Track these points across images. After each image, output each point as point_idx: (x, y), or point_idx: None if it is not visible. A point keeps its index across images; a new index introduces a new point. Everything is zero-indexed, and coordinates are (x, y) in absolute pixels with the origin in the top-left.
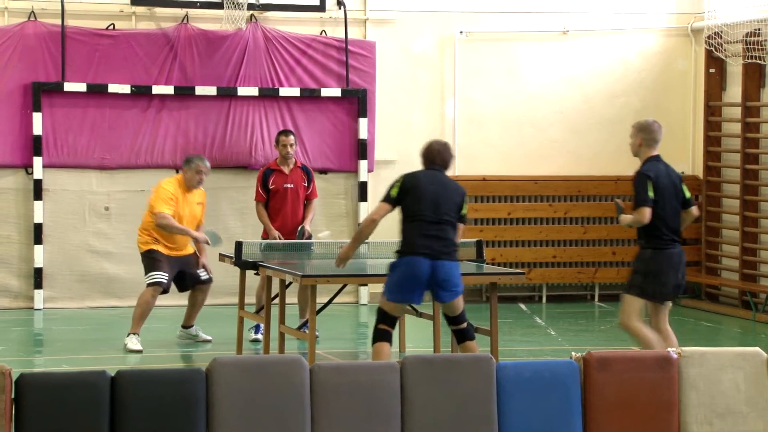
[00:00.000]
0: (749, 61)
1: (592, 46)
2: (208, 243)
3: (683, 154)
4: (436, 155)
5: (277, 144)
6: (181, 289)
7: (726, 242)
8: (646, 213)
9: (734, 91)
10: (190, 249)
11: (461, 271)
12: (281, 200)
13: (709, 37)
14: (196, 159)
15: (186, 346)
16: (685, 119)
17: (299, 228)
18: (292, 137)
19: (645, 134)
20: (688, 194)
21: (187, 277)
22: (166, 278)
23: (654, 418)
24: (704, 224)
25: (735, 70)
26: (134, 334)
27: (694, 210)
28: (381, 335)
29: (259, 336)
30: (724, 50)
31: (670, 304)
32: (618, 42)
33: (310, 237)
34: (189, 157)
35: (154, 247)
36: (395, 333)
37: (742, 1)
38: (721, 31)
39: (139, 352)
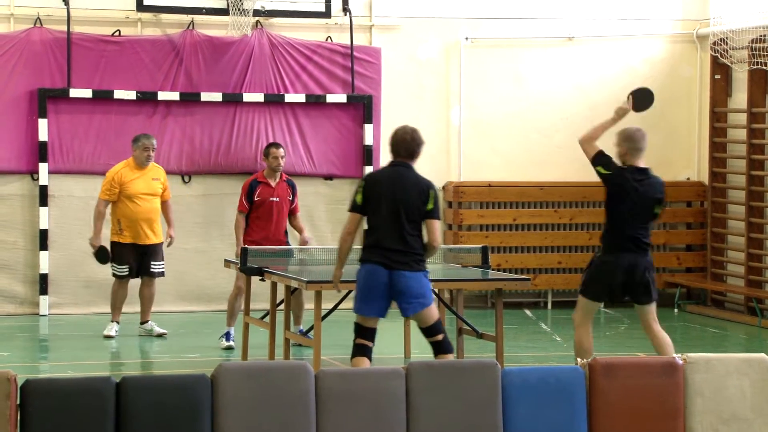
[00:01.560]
0: (755, 67)
1: (598, 52)
2: (93, 247)
3: (689, 161)
4: (400, 145)
5: (267, 156)
6: (133, 276)
7: (731, 248)
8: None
9: (740, 97)
10: (155, 239)
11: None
12: (266, 213)
13: (714, 44)
14: (142, 137)
15: (191, 351)
16: (690, 125)
17: (301, 240)
18: (282, 150)
19: (629, 144)
20: (658, 211)
21: (141, 267)
22: (126, 270)
23: (659, 425)
24: (710, 230)
25: (740, 77)
26: (114, 321)
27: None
28: (357, 350)
29: (231, 343)
30: (730, 56)
31: (648, 307)
32: (623, 48)
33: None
34: (136, 136)
35: (118, 238)
36: (400, 339)
37: (748, 7)
38: (727, 38)
39: (111, 338)
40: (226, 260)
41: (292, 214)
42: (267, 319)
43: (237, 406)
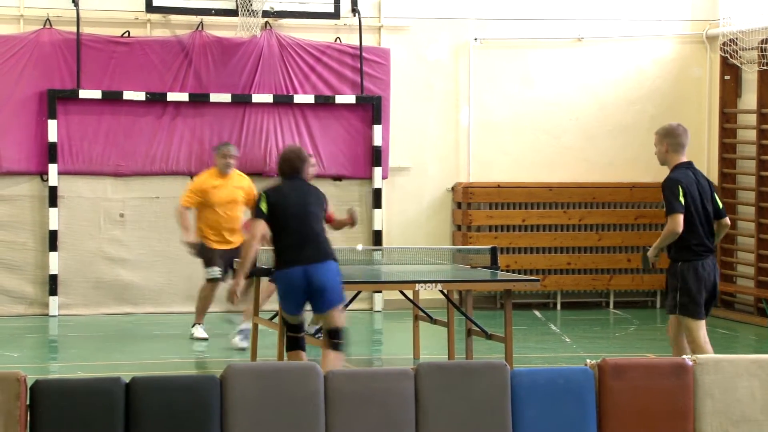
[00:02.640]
0: (765, 68)
1: (607, 53)
2: (188, 245)
3: (698, 162)
4: (285, 164)
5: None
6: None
7: (741, 249)
8: (679, 220)
9: (749, 98)
10: (235, 243)
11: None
12: None
13: (724, 44)
14: (222, 146)
15: (200, 352)
16: (700, 126)
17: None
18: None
19: (670, 139)
20: (720, 204)
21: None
22: (218, 272)
23: (669, 426)
24: None
25: (750, 77)
26: (198, 324)
27: (727, 220)
28: (290, 344)
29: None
30: (740, 57)
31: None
32: (633, 49)
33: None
34: (217, 145)
35: (205, 241)
36: (410, 340)
37: (758, 7)
38: (737, 38)
39: (204, 339)
40: (235, 260)
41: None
42: (276, 319)
43: (246, 406)
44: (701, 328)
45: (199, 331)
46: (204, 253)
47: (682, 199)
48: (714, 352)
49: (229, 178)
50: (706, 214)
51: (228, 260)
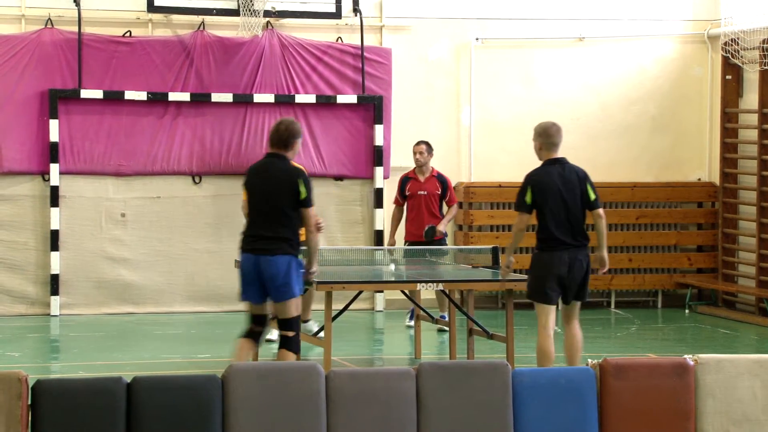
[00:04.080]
0: (766, 67)
1: (609, 52)
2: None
3: (700, 161)
4: (272, 134)
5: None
6: None
7: (743, 249)
8: (522, 218)
9: (751, 97)
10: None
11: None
12: (415, 206)
13: (725, 44)
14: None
15: (201, 352)
16: (701, 126)
17: (428, 228)
18: (423, 146)
19: (544, 138)
20: (593, 195)
21: None
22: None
23: (670, 426)
24: (721, 231)
25: (752, 77)
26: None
27: (599, 211)
28: (245, 332)
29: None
30: (741, 57)
31: (576, 304)
32: (634, 49)
33: (440, 235)
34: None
35: None
36: (410, 340)
37: (759, 7)
38: (738, 38)
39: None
40: (236, 260)
41: (448, 205)
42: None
43: (247, 406)
44: (545, 313)
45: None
46: None
47: (528, 198)
48: (715, 352)
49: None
50: (566, 209)
51: None
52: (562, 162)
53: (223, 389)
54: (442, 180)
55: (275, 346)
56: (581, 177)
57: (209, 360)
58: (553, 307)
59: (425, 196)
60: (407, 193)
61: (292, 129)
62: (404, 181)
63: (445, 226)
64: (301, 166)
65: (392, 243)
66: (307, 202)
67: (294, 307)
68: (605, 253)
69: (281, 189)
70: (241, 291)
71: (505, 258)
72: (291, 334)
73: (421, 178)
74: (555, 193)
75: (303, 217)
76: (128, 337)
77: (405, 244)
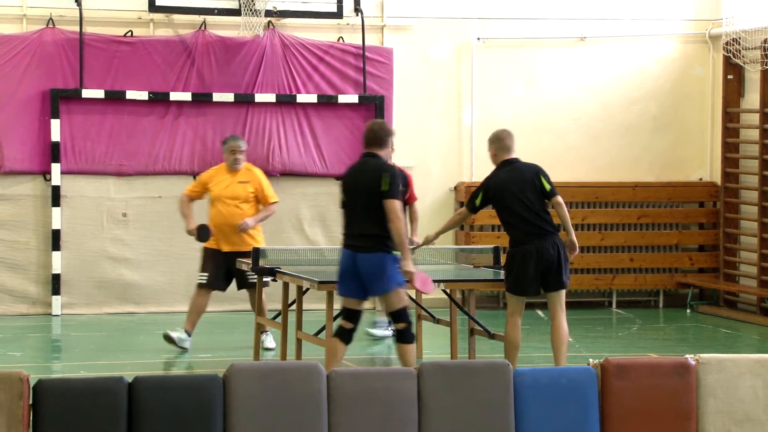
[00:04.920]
0: (767, 67)
1: (610, 52)
2: (192, 235)
3: (701, 161)
4: (367, 134)
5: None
6: (239, 287)
7: (744, 249)
8: (461, 214)
9: (752, 97)
10: (243, 247)
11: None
12: None
13: (727, 44)
14: (229, 139)
15: (203, 351)
16: (703, 126)
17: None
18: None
19: (496, 144)
20: (548, 186)
21: (238, 279)
22: (206, 278)
23: (672, 426)
24: (722, 231)
25: (753, 77)
26: (184, 330)
27: (557, 198)
28: (336, 331)
29: (376, 331)
30: (743, 56)
31: (559, 294)
32: (636, 48)
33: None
34: (224, 139)
35: (208, 243)
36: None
37: (761, 7)
38: (739, 38)
39: (183, 349)
40: (237, 260)
41: (408, 203)
42: (279, 319)
43: (249, 406)
44: (514, 303)
45: (180, 339)
46: (203, 254)
47: (478, 201)
48: (717, 351)
49: (237, 173)
50: (522, 204)
51: (229, 264)
52: (513, 162)
53: (225, 389)
54: (403, 176)
55: (271, 354)
56: (534, 172)
57: (211, 360)
58: (524, 299)
59: None
60: None
61: (386, 128)
62: None
63: (416, 234)
64: (393, 164)
65: None
66: (387, 194)
67: (398, 298)
68: (573, 237)
69: (371, 186)
70: (338, 286)
71: (431, 236)
72: (402, 326)
73: None
74: (509, 192)
75: (384, 208)
76: (129, 336)
77: None
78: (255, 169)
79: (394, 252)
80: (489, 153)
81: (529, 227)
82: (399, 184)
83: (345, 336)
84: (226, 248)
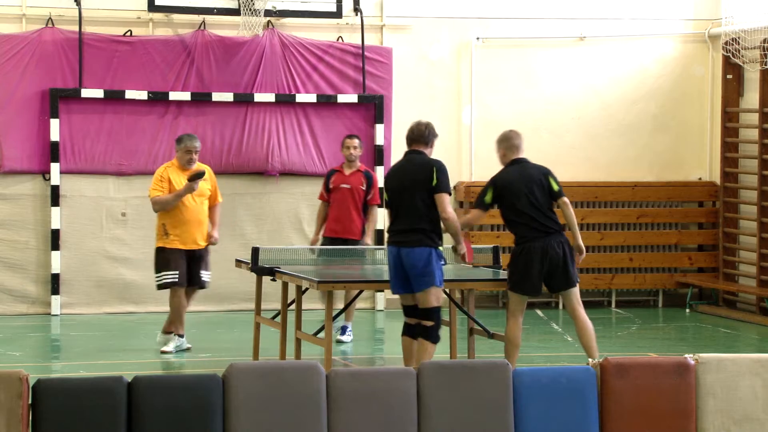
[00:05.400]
0: (767, 67)
1: (609, 52)
2: (192, 184)
3: (700, 160)
4: (413, 133)
5: (341, 146)
6: (190, 284)
7: (743, 248)
8: (474, 214)
9: (752, 97)
10: (203, 243)
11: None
12: (335, 200)
13: (726, 43)
14: (185, 138)
15: (202, 351)
16: (702, 125)
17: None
18: (356, 140)
19: (505, 144)
20: (556, 186)
21: (190, 275)
22: (176, 276)
23: (671, 425)
24: (721, 230)
25: (752, 76)
26: (172, 333)
27: (563, 199)
28: (403, 329)
29: (345, 338)
30: (742, 56)
31: (572, 292)
32: (635, 48)
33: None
34: (179, 137)
35: (164, 243)
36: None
37: (760, 7)
38: (739, 37)
39: (170, 353)
40: (237, 260)
41: (369, 204)
42: (278, 318)
43: (248, 405)
44: (516, 302)
45: (168, 344)
46: (160, 257)
47: (488, 198)
48: (716, 351)
49: (190, 172)
50: (530, 203)
51: (195, 262)
52: (521, 161)
53: (224, 389)
54: (368, 176)
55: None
56: (542, 172)
57: (210, 359)
58: (526, 298)
59: (349, 190)
60: (331, 186)
61: (432, 127)
62: (329, 175)
63: (370, 237)
64: (439, 159)
65: (315, 242)
66: (438, 188)
67: (434, 297)
68: (580, 240)
69: (419, 180)
70: (391, 285)
71: (460, 247)
72: (430, 323)
73: (347, 172)
74: (517, 190)
75: (436, 202)
76: (129, 336)
77: (322, 242)
78: (205, 166)
79: (439, 247)
80: (498, 153)
81: (536, 225)
82: (448, 178)
83: (411, 331)
84: (190, 246)
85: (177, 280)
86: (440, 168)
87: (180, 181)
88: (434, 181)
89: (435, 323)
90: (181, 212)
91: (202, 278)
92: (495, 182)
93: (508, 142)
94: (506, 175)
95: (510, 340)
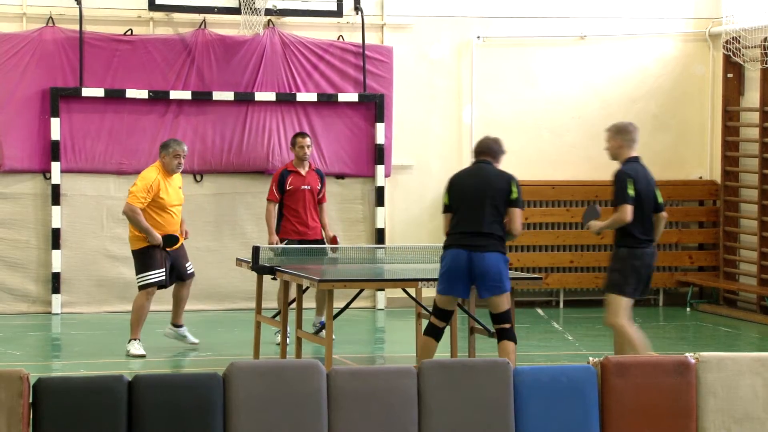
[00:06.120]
0: (767, 65)
1: (610, 51)
2: (160, 246)
3: (701, 159)
4: (484, 145)
5: (293, 146)
6: (167, 285)
7: (744, 247)
8: (628, 210)
9: (752, 95)
10: (180, 240)
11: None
12: (297, 201)
13: (727, 42)
14: (173, 143)
15: (203, 350)
16: (703, 124)
17: (328, 238)
18: (308, 139)
19: (624, 135)
20: (660, 198)
21: (174, 272)
22: (163, 274)
23: (672, 424)
24: (722, 229)
25: (753, 75)
26: (135, 339)
27: (664, 214)
28: (427, 329)
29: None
30: (742, 55)
31: (632, 301)
32: (636, 47)
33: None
34: (165, 142)
35: (146, 243)
36: (412, 338)
37: (761, 5)
38: (739, 36)
39: (142, 356)
40: (237, 259)
41: (320, 203)
42: (278, 318)
43: (249, 404)
44: (627, 307)
45: (135, 348)
46: (144, 255)
47: (631, 192)
48: (717, 350)
49: (173, 178)
50: (649, 207)
51: (177, 260)
52: (639, 160)
53: (225, 387)
54: (320, 174)
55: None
56: (654, 181)
57: (211, 358)
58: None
59: (309, 191)
60: (288, 188)
61: (502, 144)
62: (284, 175)
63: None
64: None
65: (275, 243)
66: (517, 202)
67: (506, 300)
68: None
69: (495, 188)
70: (443, 285)
71: (596, 225)
72: (508, 325)
73: (303, 172)
74: (646, 191)
75: (511, 216)
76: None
77: (283, 243)
78: (179, 175)
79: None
80: (608, 143)
81: (649, 229)
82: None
83: (437, 334)
84: (170, 247)
85: (163, 279)
86: (517, 182)
87: (168, 189)
88: (514, 194)
89: (511, 324)
90: (165, 221)
91: (189, 270)
92: (631, 175)
93: (628, 135)
94: (635, 173)
95: (641, 343)
